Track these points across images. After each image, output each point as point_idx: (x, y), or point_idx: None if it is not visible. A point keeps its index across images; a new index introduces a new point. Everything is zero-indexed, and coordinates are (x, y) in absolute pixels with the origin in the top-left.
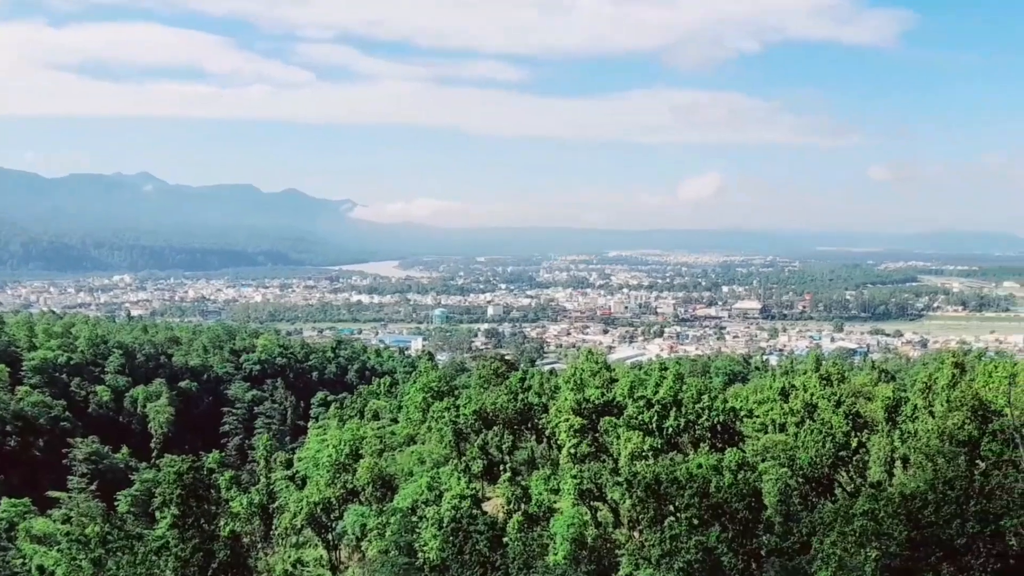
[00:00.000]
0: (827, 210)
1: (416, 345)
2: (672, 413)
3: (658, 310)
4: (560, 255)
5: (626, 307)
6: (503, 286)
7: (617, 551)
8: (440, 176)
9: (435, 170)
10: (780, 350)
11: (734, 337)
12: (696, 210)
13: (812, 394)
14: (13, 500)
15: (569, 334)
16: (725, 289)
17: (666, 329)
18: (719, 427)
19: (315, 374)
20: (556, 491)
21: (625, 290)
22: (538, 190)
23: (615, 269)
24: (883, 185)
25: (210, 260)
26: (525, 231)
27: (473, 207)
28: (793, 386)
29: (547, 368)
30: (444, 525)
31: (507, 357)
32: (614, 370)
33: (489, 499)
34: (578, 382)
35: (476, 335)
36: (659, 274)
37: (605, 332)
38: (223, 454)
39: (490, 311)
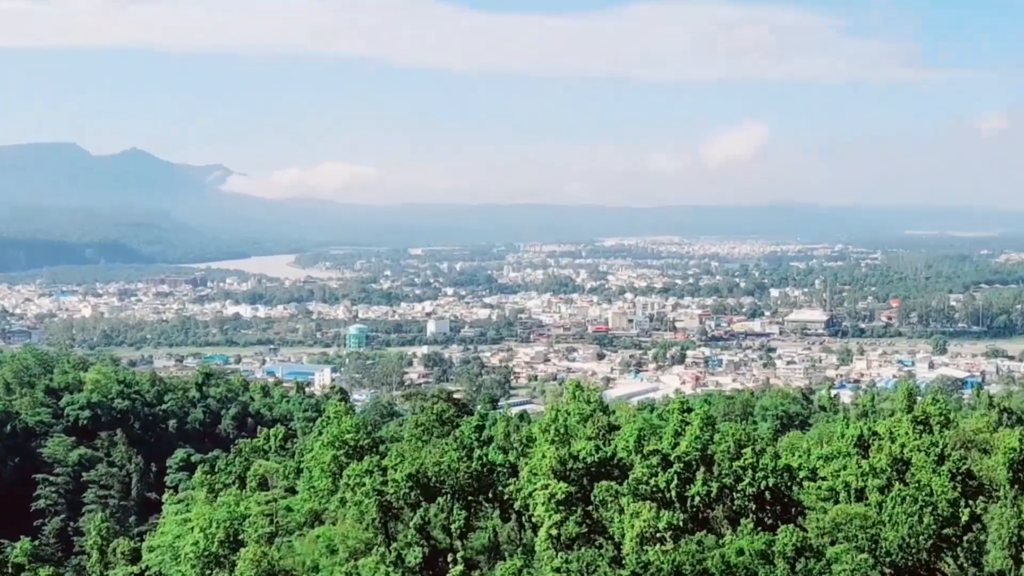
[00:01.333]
0: (918, 177)
1: (323, 379)
2: (699, 475)
3: (677, 324)
4: (532, 244)
5: (630, 320)
6: (450, 291)
7: None
8: (354, 131)
9: (347, 121)
10: (856, 381)
11: (788, 363)
12: (730, 178)
13: (903, 445)
14: None
15: (548, 360)
16: (775, 293)
17: (689, 352)
18: (768, 494)
19: (173, 423)
20: None
21: (628, 295)
22: (499, 150)
23: (613, 264)
24: (998, 140)
25: (13, 255)
26: (480, 210)
27: (403, 176)
28: (876, 434)
29: (516, 411)
30: None
31: (457, 395)
32: (614, 413)
33: None
34: (562, 431)
35: (411, 363)
36: (678, 271)
37: (600, 357)
38: (36, 542)
39: (431, 328)
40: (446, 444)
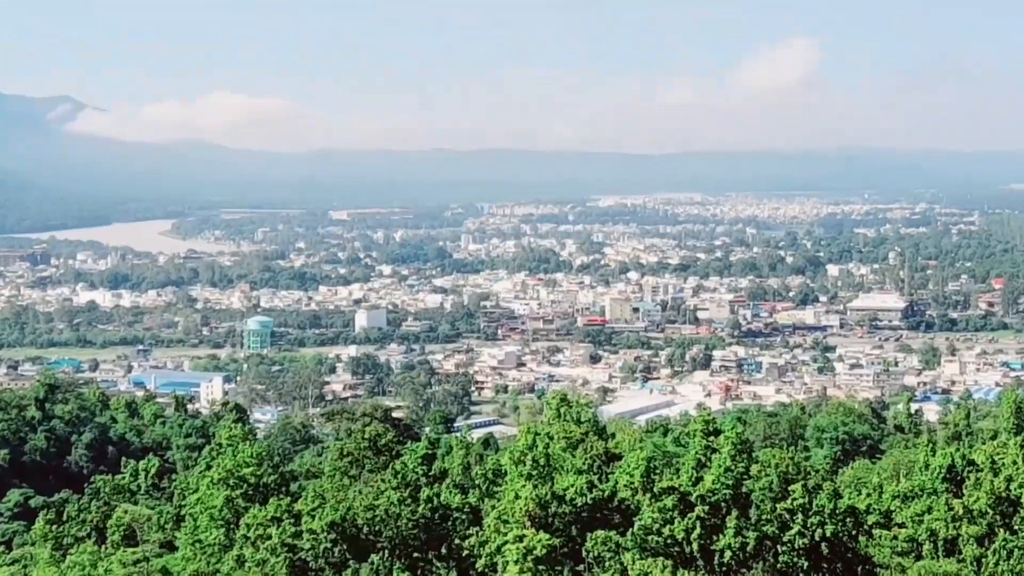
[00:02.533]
0: None
1: (211, 392)
2: (731, 522)
3: (700, 314)
4: (501, 205)
5: (636, 309)
6: (387, 269)
7: None
8: (255, 50)
9: (244, 38)
10: (945, 391)
11: (853, 366)
12: (771, 115)
13: (1010, 479)
14: None
15: (522, 365)
16: (833, 271)
17: (717, 352)
18: (825, 547)
19: (4, 453)
20: None
21: (633, 275)
22: (455, 78)
23: (612, 233)
24: None
25: None
26: (429, 159)
27: (322, 112)
28: (973, 464)
29: (479, 435)
30: None
31: (397, 414)
32: (614, 436)
33: None
34: (541, 462)
35: (334, 370)
36: (701, 242)
37: (595, 360)
38: None
39: (362, 321)
40: (382, 481)
